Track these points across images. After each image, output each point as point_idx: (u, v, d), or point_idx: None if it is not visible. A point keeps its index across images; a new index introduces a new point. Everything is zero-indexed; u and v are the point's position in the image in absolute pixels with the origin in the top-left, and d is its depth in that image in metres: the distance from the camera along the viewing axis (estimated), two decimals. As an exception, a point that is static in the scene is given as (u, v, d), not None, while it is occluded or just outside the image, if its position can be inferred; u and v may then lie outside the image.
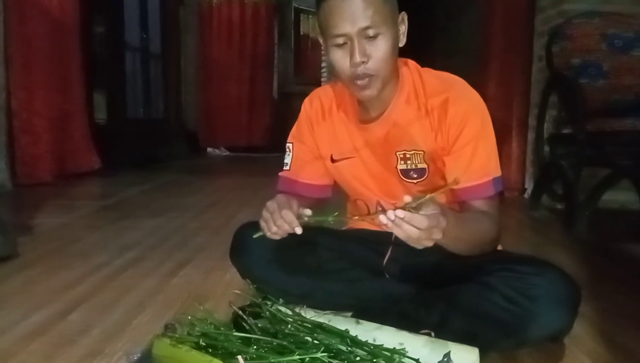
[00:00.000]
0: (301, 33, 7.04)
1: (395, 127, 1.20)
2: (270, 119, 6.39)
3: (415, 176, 1.21)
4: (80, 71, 4.10)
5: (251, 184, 3.90)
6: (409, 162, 1.21)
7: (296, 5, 6.86)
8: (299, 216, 1.06)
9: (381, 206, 1.29)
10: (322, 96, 1.32)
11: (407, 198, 0.91)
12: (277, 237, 1.08)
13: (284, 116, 6.29)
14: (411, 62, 1.23)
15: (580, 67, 2.66)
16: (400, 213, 0.90)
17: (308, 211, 1.07)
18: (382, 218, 0.90)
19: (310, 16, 7.05)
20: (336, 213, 1.06)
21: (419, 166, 1.20)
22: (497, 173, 1.18)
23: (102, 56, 4.44)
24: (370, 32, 1.07)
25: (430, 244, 0.94)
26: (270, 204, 1.09)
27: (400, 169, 1.22)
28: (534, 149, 3.15)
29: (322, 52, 5.52)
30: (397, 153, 1.21)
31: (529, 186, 3.25)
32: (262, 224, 1.10)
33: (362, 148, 1.25)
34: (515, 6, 3.52)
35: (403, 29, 1.14)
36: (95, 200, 3.39)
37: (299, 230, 1.04)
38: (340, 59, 1.10)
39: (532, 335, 1.09)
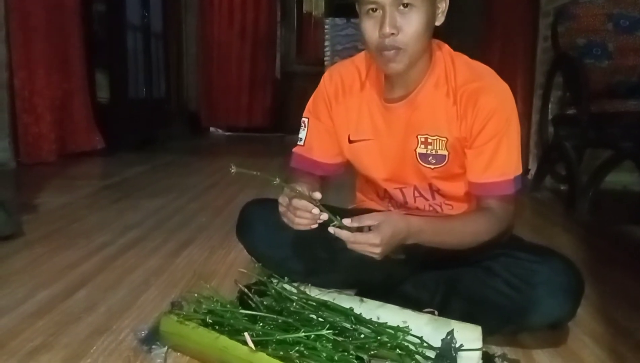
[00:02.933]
0: (304, 12, 6.94)
1: (420, 110, 1.16)
2: (272, 100, 6.35)
3: (434, 161, 1.18)
4: (81, 49, 4.06)
5: (252, 165, 3.84)
6: (429, 147, 1.17)
7: (299, -16, 6.76)
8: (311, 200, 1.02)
9: (388, 194, 1.29)
10: (343, 73, 1.25)
11: (347, 221, 1.00)
12: (302, 228, 1.04)
13: (286, 96, 6.26)
14: (445, 46, 1.18)
15: (585, 47, 2.64)
16: (331, 229, 1.00)
17: (318, 195, 1.03)
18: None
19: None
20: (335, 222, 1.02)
21: (440, 152, 1.17)
22: (518, 171, 1.15)
23: (103, 35, 4.39)
24: (404, 1, 1.02)
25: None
26: (282, 199, 1.06)
27: (419, 153, 1.18)
28: (538, 130, 3.14)
29: (325, 31, 5.43)
30: (419, 136, 1.17)
31: (533, 167, 3.25)
32: (286, 220, 1.06)
33: (382, 129, 1.21)
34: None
35: (443, 6, 1.10)
36: (97, 180, 3.39)
37: (316, 211, 1.00)
38: (369, 28, 1.06)
39: (531, 322, 1.09)
